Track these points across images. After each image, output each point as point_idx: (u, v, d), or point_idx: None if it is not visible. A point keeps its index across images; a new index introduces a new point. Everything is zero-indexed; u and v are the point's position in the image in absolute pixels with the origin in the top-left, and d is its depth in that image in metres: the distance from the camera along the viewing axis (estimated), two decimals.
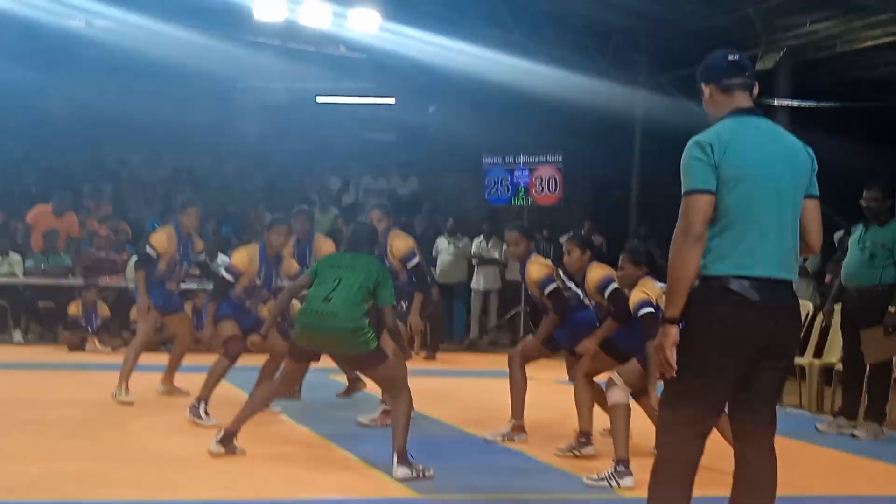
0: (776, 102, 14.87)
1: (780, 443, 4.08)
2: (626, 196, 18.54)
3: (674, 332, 3.82)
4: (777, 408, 4.21)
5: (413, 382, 6.65)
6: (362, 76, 19.83)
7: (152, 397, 9.04)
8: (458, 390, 8.81)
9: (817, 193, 4.05)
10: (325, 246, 9.00)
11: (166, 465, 6.33)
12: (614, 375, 6.58)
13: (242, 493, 5.75)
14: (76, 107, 19.19)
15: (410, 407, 6.42)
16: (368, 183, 19.68)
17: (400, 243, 8.21)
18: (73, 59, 18.17)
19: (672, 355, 3.82)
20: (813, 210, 4.03)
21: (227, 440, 6.59)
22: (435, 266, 15.79)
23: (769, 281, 3.84)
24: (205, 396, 7.84)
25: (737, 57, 4.04)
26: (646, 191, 18.08)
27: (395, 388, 6.48)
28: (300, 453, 6.93)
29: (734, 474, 4.06)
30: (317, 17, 16.20)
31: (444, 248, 16.22)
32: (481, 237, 16.15)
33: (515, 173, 15.37)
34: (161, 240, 8.93)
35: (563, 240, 16.28)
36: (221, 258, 15.65)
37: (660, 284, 6.49)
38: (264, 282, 8.17)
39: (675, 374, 3.85)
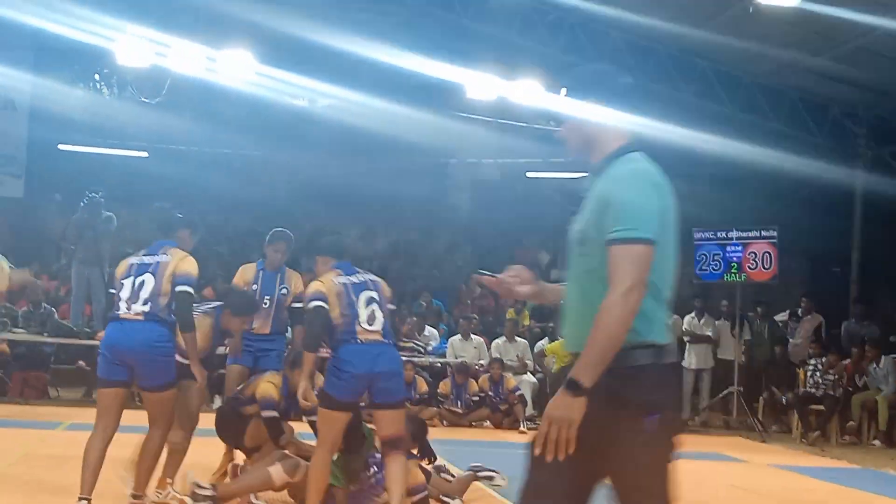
0: None
1: None
2: (846, 272, 17.85)
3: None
4: None
5: None
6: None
7: None
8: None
9: None
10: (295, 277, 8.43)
11: None
12: None
13: None
14: (298, 182, 20.06)
15: None
16: None
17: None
18: (297, 136, 19.06)
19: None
20: None
21: None
22: None
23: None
24: None
25: (630, 80, 3.41)
26: (867, 266, 17.38)
27: None
28: None
29: None
30: (528, 93, 16.42)
31: None
32: (692, 314, 15.86)
33: (728, 248, 15.03)
34: None
35: (779, 318, 15.92)
36: (430, 331, 15.89)
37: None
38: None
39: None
